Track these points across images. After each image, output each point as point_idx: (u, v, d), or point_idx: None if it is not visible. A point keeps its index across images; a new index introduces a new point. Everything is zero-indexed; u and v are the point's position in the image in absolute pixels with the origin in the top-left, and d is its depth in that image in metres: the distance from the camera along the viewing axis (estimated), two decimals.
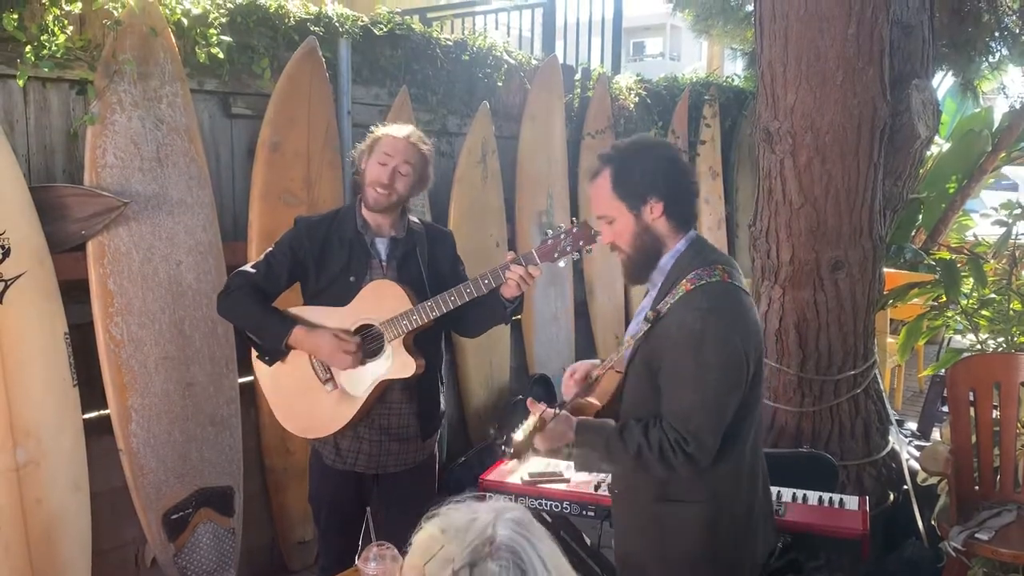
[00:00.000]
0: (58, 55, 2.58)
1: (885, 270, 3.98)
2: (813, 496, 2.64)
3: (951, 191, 7.57)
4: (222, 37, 3.01)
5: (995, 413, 3.18)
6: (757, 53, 3.49)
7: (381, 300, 2.38)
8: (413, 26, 3.91)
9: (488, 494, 2.75)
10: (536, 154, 4.65)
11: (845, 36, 3.19)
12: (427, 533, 1.16)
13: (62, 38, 2.58)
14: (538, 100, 4.64)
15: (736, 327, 1.83)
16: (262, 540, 3.43)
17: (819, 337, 3.52)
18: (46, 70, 2.57)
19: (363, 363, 2.38)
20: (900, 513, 3.48)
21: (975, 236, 8.03)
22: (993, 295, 4.29)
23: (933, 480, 3.44)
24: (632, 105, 5.51)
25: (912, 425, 4.56)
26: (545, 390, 4.65)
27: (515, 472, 2.83)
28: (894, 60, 3.61)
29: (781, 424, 3.58)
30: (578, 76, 5.19)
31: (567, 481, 2.76)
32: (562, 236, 2.33)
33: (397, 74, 3.84)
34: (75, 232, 2.68)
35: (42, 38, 2.54)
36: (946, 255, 6.62)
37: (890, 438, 3.72)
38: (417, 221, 2.58)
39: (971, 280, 4.39)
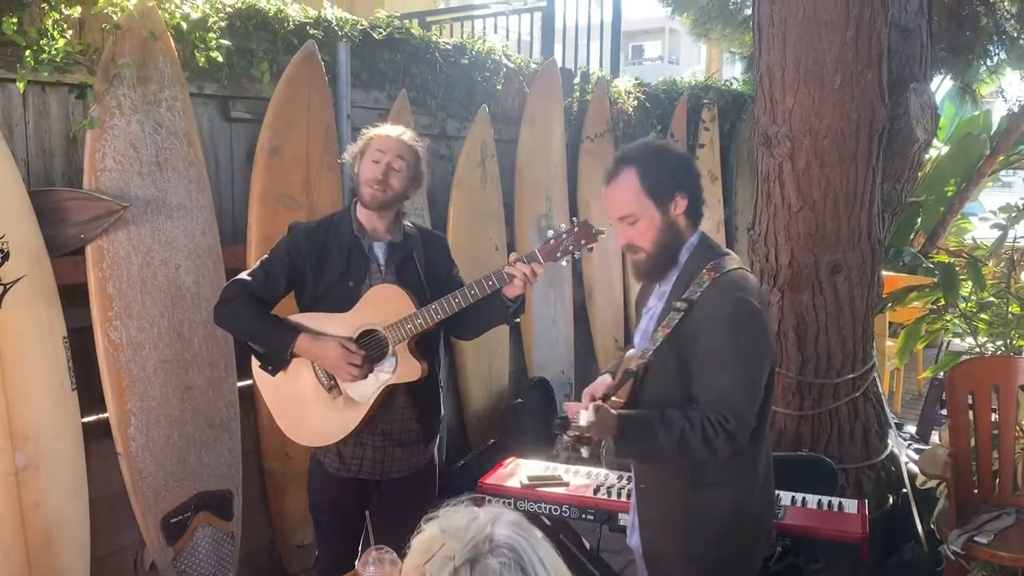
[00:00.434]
0: (57, 59, 2.58)
1: (884, 273, 3.99)
2: (812, 499, 2.64)
3: (949, 194, 7.59)
4: (221, 41, 3.01)
5: (994, 416, 3.19)
6: (756, 57, 3.50)
7: (384, 304, 2.37)
8: (412, 30, 3.92)
9: (488, 497, 2.75)
10: (535, 158, 4.66)
11: (843, 40, 3.20)
12: (427, 534, 1.17)
13: (61, 42, 2.58)
14: (537, 104, 4.65)
15: (764, 310, 1.97)
16: (261, 544, 3.42)
17: (818, 340, 3.52)
18: (45, 74, 2.57)
19: (369, 370, 2.37)
20: (899, 516, 3.48)
21: (974, 239, 8.04)
22: (992, 298, 4.30)
23: (932, 483, 3.44)
24: (631, 109, 5.52)
25: (911, 428, 4.56)
26: (544, 393, 4.66)
27: (514, 476, 2.83)
28: (892, 64, 3.62)
29: (780, 427, 3.58)
30: (577, 80, 5.19)
31: (566, 485, 2.76)
32: (564, 236, 2.34)
33: (396, 78, 3.85)
34: (74, 236, 2.68)
35: (41, 42, 2.54)
36: (945, 258, 6.62)
37: (889, 441, 3.72)
38: (411, 225, 2.58)
39: (970, 283, 4.40)
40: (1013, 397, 3.14)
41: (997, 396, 3.17)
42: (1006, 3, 6.13)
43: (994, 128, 7.82)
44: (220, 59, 3.01)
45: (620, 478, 2.77)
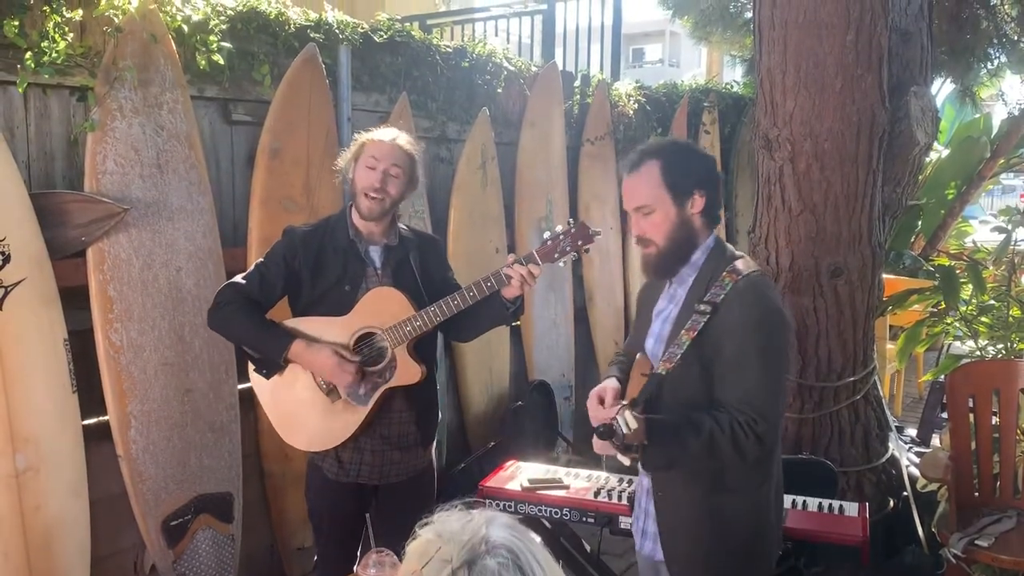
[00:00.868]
0: (59, 62, 2.58)
1: (884, 276, 3.99)
2: (813, 502, 2.64)
3: (950, 197, 7.59)
4: (222, 44, 3.01)
5: (995, 419, 3.19)
6: (756, 60, 3.50)
7: (382, 307, 2.37)
8: (413, 33, 3.92)
9: (486, 500, 2.74)
10: (535, 160, 4.66)
11: (844, 43, 3.21)
12: (422, 539, 1.17)
13: (63, 45, 2.58)
14: (538, 106, 4.65)
15: (787, 313, 1.97)
16: (261, 546, 3.42)
17: (818, 343, 3.52)
18: (47, 76, 2.57)
19: (366, 372, 2.37)
20: (900, 520, 3.48)
21: (974, 242, 8.05)
22: (992, 301, 4.30)
23: (933, 487, 3.44)
24: (631, 111, 5.52)
25: (912, 431, 4.56)
26: (544, 396, 4.65)
27: (515, 479, 2.83)
28: (893, 67, 3.62)
29: (781, 430, 3.58)
30: (577, 83, 5.19)
31: (567, 488, 2.76)
32: (561, 237, 2.34)
33: (397, 81, 3.85)
34: (75, 238, 2.68)
35: (43, 45, 2.54)
36: (945, 261, 6.63)
37: (890, 444, 3.72)
38: (405, 228, 2.57)
39: (970, 286, 4.40)
40: (1014, 400, 3.14)
41: (998, 399, 3.17)
42: (1006, 6, 6.13)
43: (994, 131, 7.82)
44: (221, 62, 3.01)
45: (621, 481, 2.77)
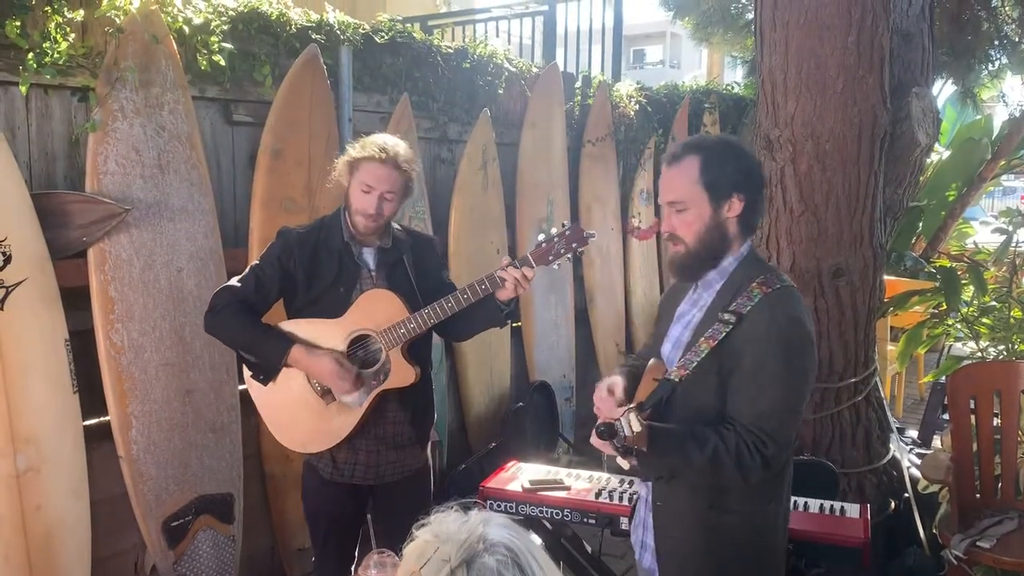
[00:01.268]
0: (60, 62, 2.58)
1: (885, 278, 3.99)
2: (814, 504, 2.64)
3: (951, 199, 7.59)
4: (223, 44, 3.01)
5: (996, 421, 3.18)
6: (757, 61, 3.50)
7: (376, 309, 2.37)
8: (414, 34, 3.92)
9: (486, 501, 2.74)
10: (536, 161, 4.66)
11: (845, 44, 3.21)
12: (419, 540, 1.17)
13: (64, 45, 2.58)
14: (538, 107, 4.65)
15: (813, 332, 1.87)
16: (262, 547, 3.42)
17: (819, 345, 3.51)
18: (48, 77, 2.57)
19: (361, 375, 2.37)
20: (901, 521, 3.48)
21: (975, 244, 8.05)
22: (993, 303, 4.30)
23: (934, 488, 3.44)
24: (632, 112, 5.52)
25: (913, 433, 4.56)
26: (545, 397, 4.65)
27: (516, 480, 2.83)
28: (894, 68, 3.62)
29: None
30: (578, 84, 5.20)
31: (567, 489, 2.76)
32: (555, 239, 2.34)
33: (398, 81, 3.85)
34: (76, 239, 2.68)
35: (44, 45, 2.54)
36: (946, 263, 6.63)
37: (891, 446, 3.72)
38: (400, 228, 2.56)
39: (971, 288, 4.40)
40: (1015, 401, 3.14)
41: (999, 400, 3.17)
42: (1007, 7, 6.14)
43: (995, 132, 7.82)
44: (222, 63, 3.01)
45: (622, 482, 2.77)
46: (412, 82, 3.91)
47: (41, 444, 2.57)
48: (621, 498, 2.65)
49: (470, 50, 4.27)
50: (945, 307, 4.44)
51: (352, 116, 3.55)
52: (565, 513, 2.67)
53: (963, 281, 4.58)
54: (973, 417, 3.19)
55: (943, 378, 4.11)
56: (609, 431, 1.71)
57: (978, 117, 8.11)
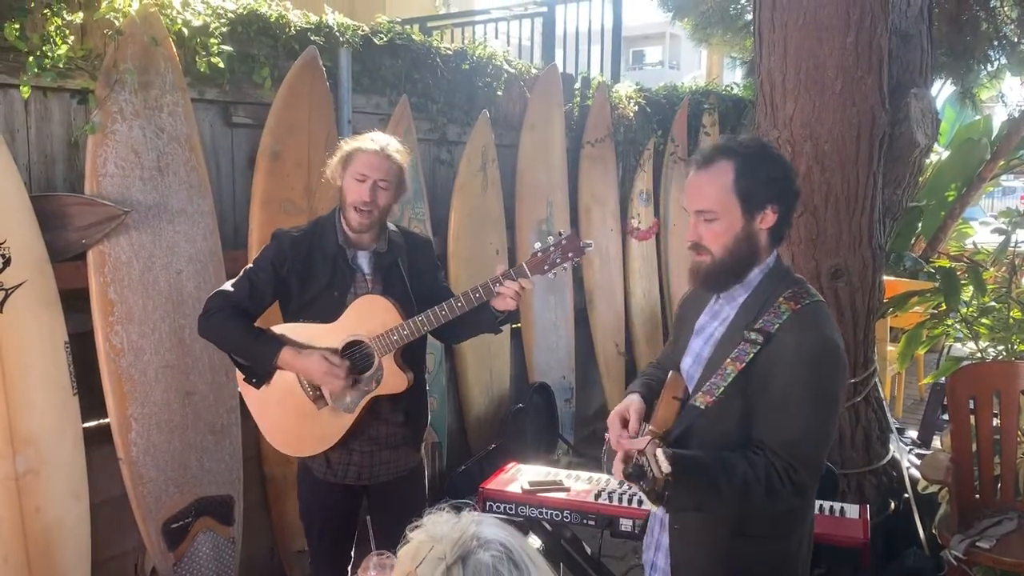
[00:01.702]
0: (60, 65, 2.58)
1: (885, 278, 3.99)
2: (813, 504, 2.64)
3: (950, 199, 7.59)
4: (223, 47, 3.01)
5: (995, 421, 3.18)
6: (756, 62, 3.51)
7: (370, 315, 2.36)
8: (413, 35, 3.93)
9: (486, 503, 2.74)
10: (536, 163, 4.66)
11: (844, 45, 3.21)
12: (413, 542, 1.18)
13: (63, 48, 2.58)
14: (538, 109, 4.65)
15: (843, 347, 1.75)
16: (262, 549, 3.42)
17: None
18: (48, 80, 2.57)
19: (354, 381, 2.37)
20: (901, 522, 3.48)
21: (974, 244, 8.05)
22: (993, 303, 4.30)
23: (934, 488, 3.44)
24: (632, 114, 5.53)
25: (912, 433, 4.56)
26: (545, 399, 4.65)
27: (515, 481, 2.83)
28: (893, 69, 3.63)
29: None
30: (578, 85, 5.20)
31: (567, 490, 2.76)
32: (551, 248, 2.32)
33: (397, 83, 3.85)
34: (76, 241, 2.68)
35: (44, 48, 2.54)
36: (946, 263, 6.63)
37: (890, 446, 3.72)
38: (396, 230, 2.55)
39: (971, 288, 4.40)
40: (1015, 402, 3.14)
41: (998, 401, 3.17)
42: (1006, 8, 6.14)
43: (995, 133, 7.83)
44: (221, 65, 3.01)
45: (621, 483, 2.77)
46: (411, 84, 3.91)
47: (41, 446, 2.57)
48: (621, 499, 2.65)
49: (469, 52, 4.27)
50: (944, 307, 4.44)
51: (351, 118, 3.56)
52: (565, 514, 2.67)
53: (962, 281, 4.59)
54: (973, 417, 3.19)
55: (943, 378, 4.11)
56: (637, 473, 1.60)
57: (977, 117, 8.12)
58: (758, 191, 1.73)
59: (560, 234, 2.35)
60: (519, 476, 2.87)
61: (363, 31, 3.66)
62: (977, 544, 2.85)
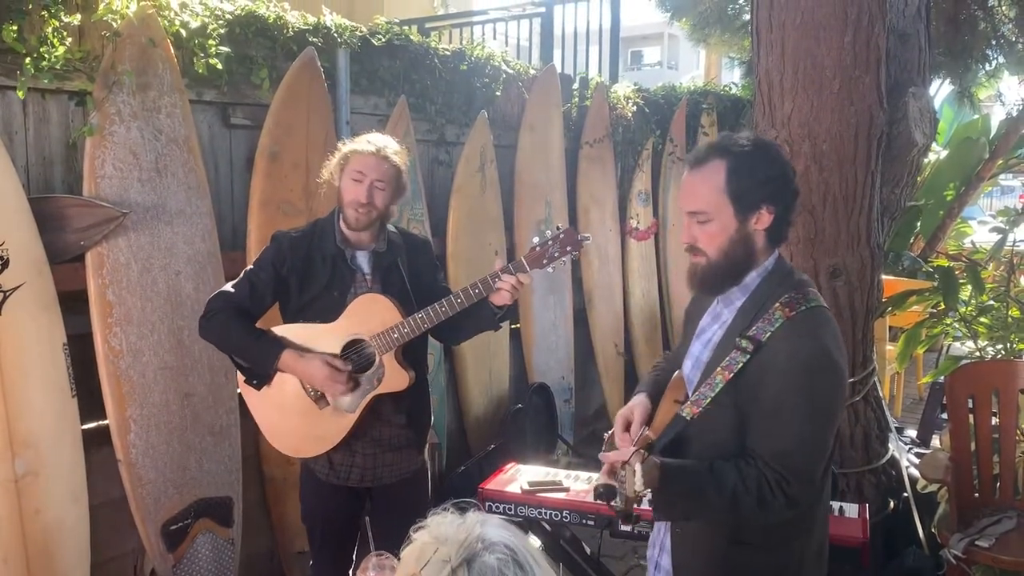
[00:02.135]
0: (57, 66, 2.58)
1: (883, 277, 3.99)
2: None
3: (949, 198, 7.60)
4: (221, 48, 3.01)
5: (994, 420, 3.19)
6: (754, 62, 3.51)
7: (370, 314, 2.36)
8: (411, 36, 3.93)
9: (485, 503, 2.74)
10: (534, 163, 4.66)
11: (842, 45, 3.21)
12: (417, 543, 1.18)
13: (61, 50, 2.58)
14: (536, 109, 4.65)
15: (842, 356, 1.69)
16: (261, 550, 3.42)
17: None
18: (45, 81, 2.57)
19: (356, 381, 2.37)
20: (900, 521, 3.48)
21: (973, 243, 8.06)
22: (991, 302, 4.30)
23: (933, 487, 3.44)
24: (630, 114, 5.53)
25: (912, 432, 4.56)
26: (544, 399, 4.65)
27: (515, 481, 2.83)
28: (891, 68, 3.63)
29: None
30: (576, 85, 5.20)
31: (566, 490, 2.76)
32: (549, 243, 2.33)
33: (395, 84, 3.85)
34: (74, 243, 2.68)
35: (41, 50, 2.54)
36: (944, 262, 6.64)
37: (890, 445, 3.72)
38: (395, 231, 2.55)
39: (969, 287, 4.40)
40: (1013, 401, 3.14)
41: (997, 400, 3.17)
42: (1004, 7, 6.15)
43: (993, 132, 7.84)
44: (219, 66, 3.01)
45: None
46: (409, 84, 3.91)
47: (40, 448, 2.57)
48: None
49: (467, 52, 4.28)
50: (943, 307, 4.44)
51: (350, 119, 3.56)
52: (564, 514, 2.67)
53: (961, 281, 4.59)
54: (971, 416, 3.19)
55: (941, 378, 4.12)
56: (608, 493, 1.59)
57: (975, 117, 8.12)
58: (751, 191, 1.68)
59: (558, 228, 2.35)
60: (518, 476, 2.88)
61: (361, 32, 3.66)
62: (976, 543, 2.85)
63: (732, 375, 1.66)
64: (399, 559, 1.20)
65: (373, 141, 2.43)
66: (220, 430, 3.06)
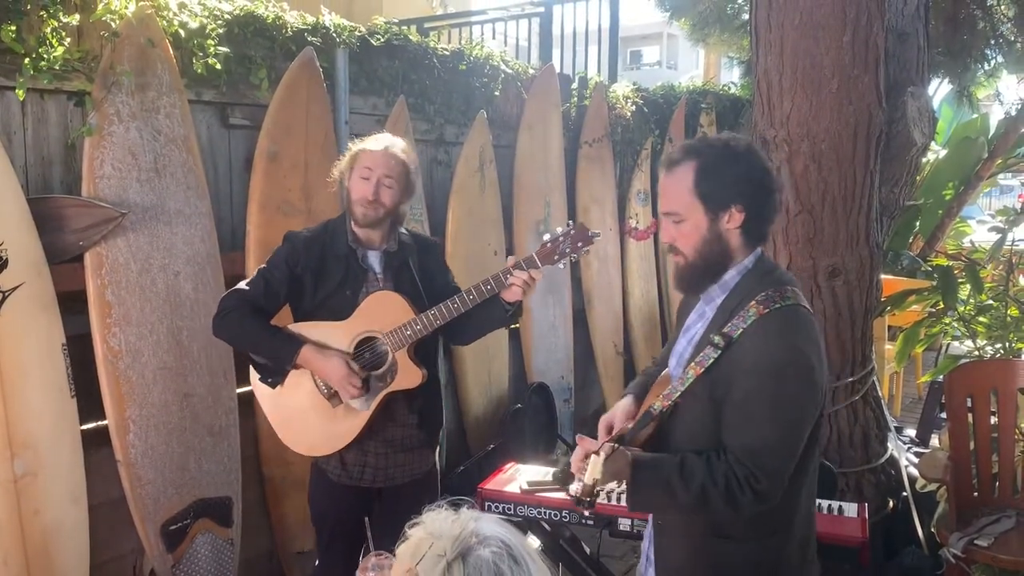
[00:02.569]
0: (56, 67, 2.58)
1: (882, 277, 3.99)
2: None
3: (948, 198, 7.60)
4: (219, 48, 3.01)
5: (993, 419, 3.19)
6: (753, 61, 3.51)
7: (383, 312, 2.38)
8: (410, 36, 3.92)
9: (484, 503, 2.74)
10: (533, 163, 4.66)
11: (840, 44, 3.21)
12: (413, 539, 1.19)
13: (60, 50, 2.58)
14: (535, 109, 4.65)
15: (818, 359, 1.70)
16: (261, 550, 3.42)
17: None
18: (44, 82, 2.57)
19: (368, 378, 2.37)
20: (899, 520, 3.48)
21: (972, 243, 8.06)
22: (990, 301, 4.30)
23: (932, 487, 3.44)
24: (629, 114, 5.53)
25: (911, 432, 4.57)
26: (543, 399, 4.65)
27: (514, 481, 2.83)
28: (889, 68, 3.63)
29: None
30: (575, 85, 5.20)
31: (566, 490, 2.75)
32: (560, 239, 2.34)
33: (394, 84, 3.85)
34: (73, 243, 2.67)
35: (40, 50, 2.54)
36: (943, 262, 6.64)
37: (889, 445, 3.72)
38: (406, 232, 2.58)
39: (968, 287, 4.40)
40: (1012, 400, 3.14)
41: (996, 399, 3.17)
42: (1003, 7, 6.15)
43: (992, 131, 7.84)
44: (218, 66, 3.01)
45: (620, 483, 2.77)
46: (408, 84, 3.91)
47: (39, 449, 2.57)
48: (619, 499, 2.65)
49: (466, 52, 4.27)
50: (942, 306, 4.44)
51: (348, 119, 3.55)
52: (563, 514, 2.67)
53: (960, 280, 4.59)
54: (970, 416, 3.19)
55: (940, 377, 4.12)
56: (565, 478, 1.61)
57: (974, 116, 8.13)
58: (720, 191, 1.71)
59: (569, 224, 2.37)
60: (518, 476, 2.87)
61: (360, 32, 3.66)
62: (975, 542, 2.85)
63: (703, 370, 1.69)
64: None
65: (381, 140, 2.47)
66: (219, 430, 3.06)
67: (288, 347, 2.35)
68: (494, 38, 6.29)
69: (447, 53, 4.14)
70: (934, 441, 4.34)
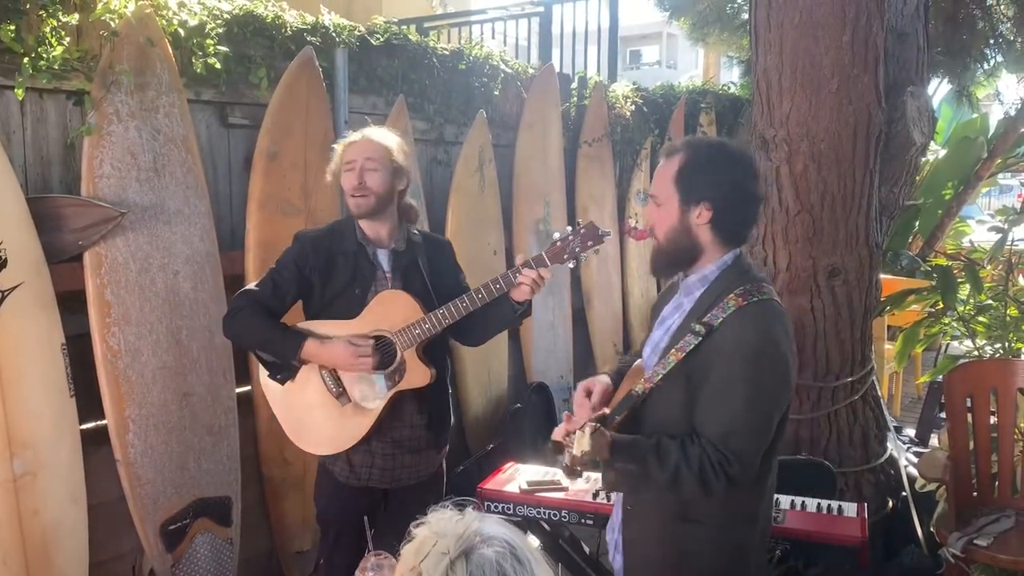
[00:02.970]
0: (55, 66, 2.58)
1: (882, 277, 3.99)
2: (811, 503, 2.64)
3: (947, 198, 7.60)
4: (219, 47, 3.01)
5: (993, 419, 3.19)
6: (753, 61, 3.51)
7: (391, 310, 2.38)
8: (410, 36, 3.92)
9: (484, 503, 2.74)
10: (533, 163, 4.66)
11: (840, 44, 3.21)
12: (418, 538, 1.20)
13: (59, 49, 2.58)
14: (535, 109, 4.65)
15: (791, 353, 1.81)
16: (260, 550, 3.42)
17: (816, 344, 3.52)
18: (43, 81, 2.57)
19: (377, 374, 2.37)
20: (899, 520, 3.48)
21: (971, 242, 8.06)
22: (990, 301, 4.30)
23: (932, 487, 3.44)
24: (629, 113, 5.53)
25: (910, 431, 4.57)
26: (543, 398, 4.66)
27: (513, 481, 2.83)
28: (889, 67, 3.63)
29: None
30: (574, 85, 5.20)
31: (565, 490, 2.75)
32: (570, 237, 2.34)
33: (394, 83, 3.85)
34: (72, 242, 2.67)
35: (39, 49, 2.54)
36: (943, 261, 6.64)
37: (888, 445, 3.72)
38: (417, 232, 2.58)
39: (968, 286, 4.40)
40: (1012, 400, 3.14)
41: (996, 399, 3.17)
42: (1002, 7, 6.15)
43: (991, 131, 7.84)
44: (218, 65, 3.01)
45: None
46: (408, 84, 3.91)
47: (38, 448, 2.57)
48: None
49: (466, 52, 4.27)
50: (942, 306, 4.44)
51: (348, 118, 3.55)
52: (563, 514, 2.67)
53: (959, 280, 4.59)
54: (970, 415, 3.19)
55: (940, 377, 4.12)
56: (556, 449, 1.74)
57: (974, 116, 8.13)
58: (695, 187, 1.82)
59: (579, 223, 2.37)
60: (517, 476, 2.87)
61: (359, 31, 3.65)
62: (975, 542, 2.85)
63: (684, 355, 1.78)
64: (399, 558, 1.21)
65: (361, 131, 2.49)
66: (219, 430, 3.06)
67: (292, 342, 2.36)
68: (494, 38, 6.29)
69: (447, 53, 4.14)
70: (933, 441, 4.34)
